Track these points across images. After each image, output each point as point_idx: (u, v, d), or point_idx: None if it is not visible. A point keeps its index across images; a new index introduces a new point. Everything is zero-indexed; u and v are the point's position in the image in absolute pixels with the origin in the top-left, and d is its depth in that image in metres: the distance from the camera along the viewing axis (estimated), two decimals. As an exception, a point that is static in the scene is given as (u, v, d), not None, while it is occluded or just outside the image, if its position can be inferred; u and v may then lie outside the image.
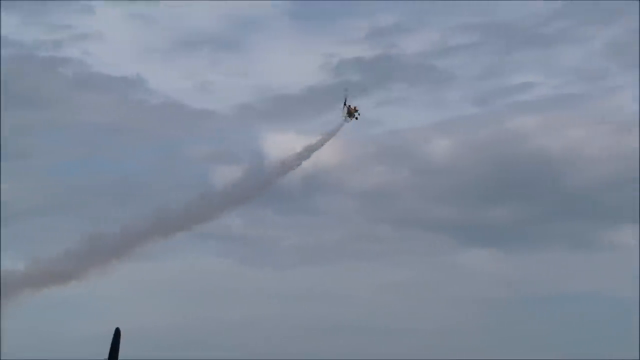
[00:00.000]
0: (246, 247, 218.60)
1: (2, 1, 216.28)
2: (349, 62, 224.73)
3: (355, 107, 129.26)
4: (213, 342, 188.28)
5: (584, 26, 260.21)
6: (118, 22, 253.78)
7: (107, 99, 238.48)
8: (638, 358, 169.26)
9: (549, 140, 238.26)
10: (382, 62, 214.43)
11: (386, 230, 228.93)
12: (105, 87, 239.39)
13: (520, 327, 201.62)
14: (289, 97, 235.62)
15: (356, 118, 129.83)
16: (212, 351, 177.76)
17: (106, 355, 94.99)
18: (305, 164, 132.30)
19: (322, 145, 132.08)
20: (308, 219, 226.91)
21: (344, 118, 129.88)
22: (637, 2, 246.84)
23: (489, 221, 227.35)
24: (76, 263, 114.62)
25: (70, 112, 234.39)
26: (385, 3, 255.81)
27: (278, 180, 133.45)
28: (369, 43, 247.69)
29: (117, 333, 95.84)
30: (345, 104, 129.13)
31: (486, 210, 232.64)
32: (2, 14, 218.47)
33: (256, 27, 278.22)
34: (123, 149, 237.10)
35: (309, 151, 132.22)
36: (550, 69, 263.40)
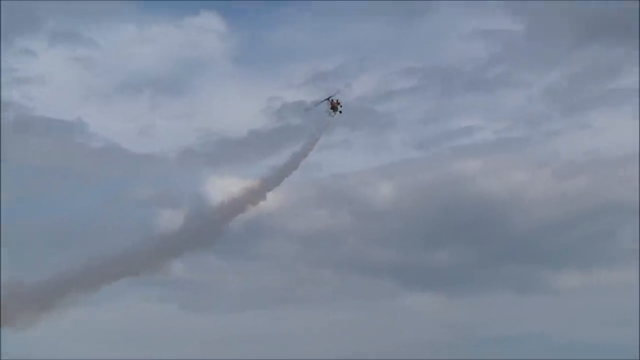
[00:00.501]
0: (188, 292, 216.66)
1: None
2: (290, 106, 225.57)
3: (337, 101, 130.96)
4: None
5: (524, 71, 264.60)
6: (59, 65, 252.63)
7: (48, 142, 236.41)
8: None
9: (491, 183, 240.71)
10: (323, 106, 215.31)
11: (328, 274, 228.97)
12: (46, 131, 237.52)
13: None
14: (232, 141, 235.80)
15: (340, 112, 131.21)
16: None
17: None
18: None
19: (314, 144, 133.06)
20: (250, 263, 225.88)
21: (328, 113, 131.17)
22: (575, 48, 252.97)
23: (431, 264, 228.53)
24: (8, 308, 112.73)
25: (10, 155, 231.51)
26: (327, 47, 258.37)
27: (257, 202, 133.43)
28: (311, 87, 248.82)
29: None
30: (328, 99, 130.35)
31: (429, 254, 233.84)
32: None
33: (198, 70, 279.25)
34: (63, 192, 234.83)
35: (300, 156, 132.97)
36: (491, 113, 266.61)
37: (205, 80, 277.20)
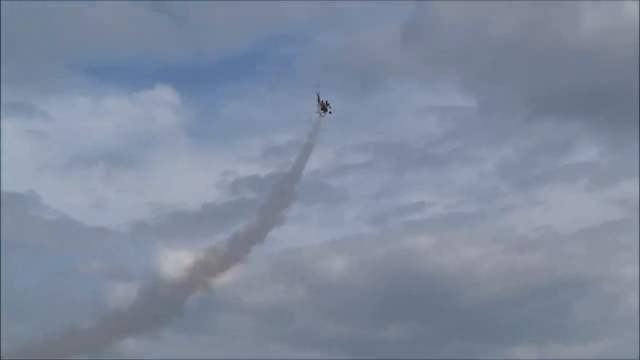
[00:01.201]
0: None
1: None
2: (244, 180, 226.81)
3: (327, 102, 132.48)
4: None
5: (477, 146, 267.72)
6: (13, 137, 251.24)
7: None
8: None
9: (444, 259, 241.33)
10: (277, 180, 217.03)
11: (282, 349, 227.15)
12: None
13: None
14: (185, 215, 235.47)
15: (330, 112, 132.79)
16: None
17: None
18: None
19: (311, 149, 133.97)
20: (205, 337, 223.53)
21: (318, 113, 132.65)
22: (527, 123, 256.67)
23: (385, 339, 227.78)
24: None
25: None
26: (281, 121, 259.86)
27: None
28: (265, 161, 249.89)
29: None
30: (318, 100, 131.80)
31: (382, 329, 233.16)
32: None
33: (152, 144, 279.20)
34: (15, 264, 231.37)
35: (302, 163, 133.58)
36: (443, 188, 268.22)
37: (159, 154, 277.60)
